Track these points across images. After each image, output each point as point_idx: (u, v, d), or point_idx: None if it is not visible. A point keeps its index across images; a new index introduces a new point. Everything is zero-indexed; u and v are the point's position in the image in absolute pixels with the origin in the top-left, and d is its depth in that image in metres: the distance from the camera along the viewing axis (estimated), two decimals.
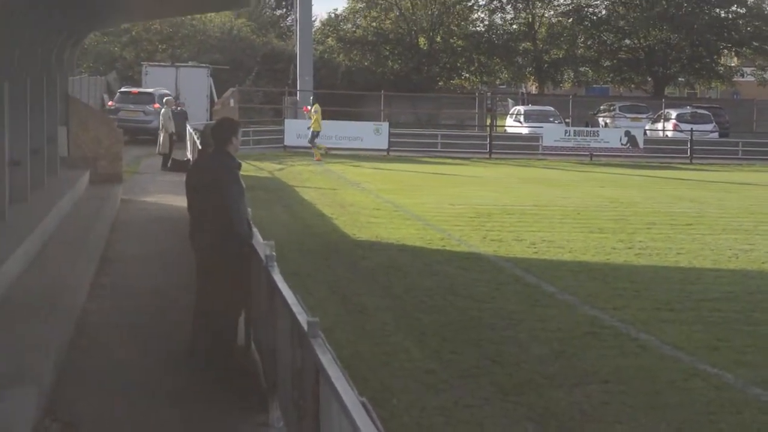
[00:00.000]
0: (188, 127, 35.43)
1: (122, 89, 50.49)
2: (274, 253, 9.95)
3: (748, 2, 74.12)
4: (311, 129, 43.06)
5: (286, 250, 18.65)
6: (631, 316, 14.56)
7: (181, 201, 11.95)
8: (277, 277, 9.13)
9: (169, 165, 34.03)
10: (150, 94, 47.09)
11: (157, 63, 60.10)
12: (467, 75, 75.97)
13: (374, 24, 73.91)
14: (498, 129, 55.54)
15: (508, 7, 76.13)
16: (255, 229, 11.59)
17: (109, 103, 49.89)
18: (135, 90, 49.51)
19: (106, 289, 15.06)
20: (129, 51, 65.07)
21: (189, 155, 32.44)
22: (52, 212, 17.83)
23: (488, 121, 57.98)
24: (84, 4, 20.24)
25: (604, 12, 76.18)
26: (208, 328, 11.01)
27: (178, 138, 35.57)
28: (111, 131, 27.67)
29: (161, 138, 34.81)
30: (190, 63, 60.28)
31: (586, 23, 75.27)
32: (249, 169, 36.18)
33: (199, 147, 13.33)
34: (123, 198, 25.92)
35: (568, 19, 75.12)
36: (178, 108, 40.05)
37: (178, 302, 13.58)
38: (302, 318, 7.60)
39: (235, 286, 10.97)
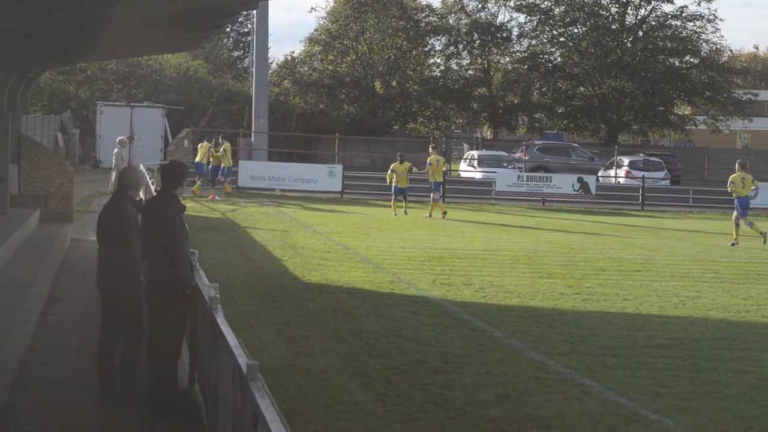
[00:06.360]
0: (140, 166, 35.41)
1: None
2: (218, 295, 9.99)
3: (702, 53, 74.99)
4: (223, 165, 42.42)
5: (235, 292, 18.69)
6: (576, 361, 14.64)
7: None
8: (220, 320, 9.17)
9: None
10: None
11: (111, 102, 60.19)
12: (422, 119, 76.23)
13: (330, 67, 74.19)
14: (452, 173, 55.75)
15: (464, 53, 76.62)
16: (201, 271, 11.62)
17: None
18: None
19: (52, 328, 15.01)
20: (84, 90, 64.97)
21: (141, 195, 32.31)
22: (0, 250, 17.76)
23: None
24: (40, 43, 20.24)
25: (559, 59, 76.72)
26: (150, 371, 11.00)
27: None
28: (62, 170, 27.61)
29: (113, 177, 34.78)
30: (145, 103, 60.36)
31: (541, 70, 75.78)
32: (201, 210, 36.18)
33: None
34: (73, 237, 25.83)
35: (524, 65, 75.62)
36: None
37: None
38: (242, 361, 7.64)
39: (173, 328, 10.96)
